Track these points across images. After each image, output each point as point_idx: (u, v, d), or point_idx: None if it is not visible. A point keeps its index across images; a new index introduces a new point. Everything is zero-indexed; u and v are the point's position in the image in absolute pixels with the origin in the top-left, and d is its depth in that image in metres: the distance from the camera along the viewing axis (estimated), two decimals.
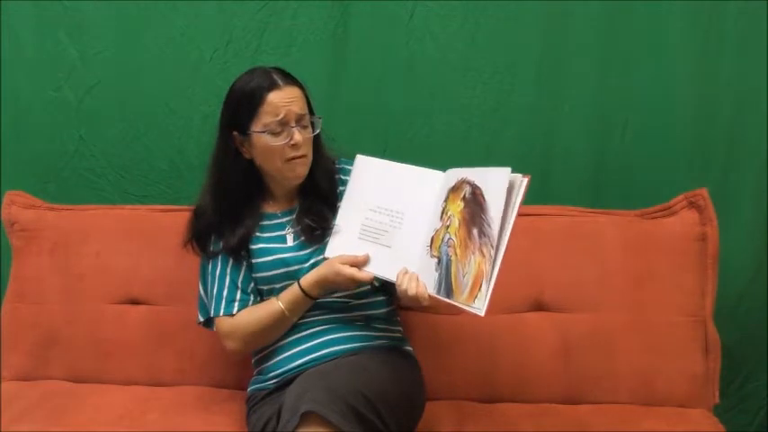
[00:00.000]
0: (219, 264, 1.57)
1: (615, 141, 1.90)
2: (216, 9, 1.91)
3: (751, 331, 1.93)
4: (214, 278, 1.57)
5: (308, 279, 1.49)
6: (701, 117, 1.87)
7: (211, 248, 1.57)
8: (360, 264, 1.45)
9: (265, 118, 1.47)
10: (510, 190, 1.28)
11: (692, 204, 1.69)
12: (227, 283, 1.56)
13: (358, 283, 1.44)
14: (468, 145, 1.91)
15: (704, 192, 1.68)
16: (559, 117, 1.89)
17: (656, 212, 1.73)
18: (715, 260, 1.66)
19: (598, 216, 1.75)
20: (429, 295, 1.37)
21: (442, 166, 1.48)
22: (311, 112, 1.53)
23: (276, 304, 1.51)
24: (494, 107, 1.90)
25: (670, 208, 1.71)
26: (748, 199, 1.88)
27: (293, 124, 1.48)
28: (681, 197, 1.71)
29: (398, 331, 1.62)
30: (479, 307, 1.28)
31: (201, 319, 1.60)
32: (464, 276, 1.32)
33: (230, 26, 1.91)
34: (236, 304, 1.55)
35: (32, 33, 1.96)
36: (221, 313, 1.55)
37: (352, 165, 1.58)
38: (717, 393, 1.65)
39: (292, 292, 1.50)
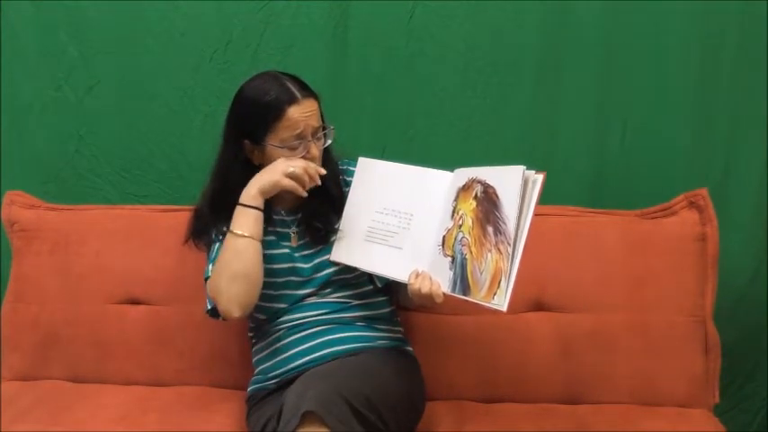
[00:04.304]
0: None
1: (615, 141, 1.89)
2: (216, 9, 1.90)
3: (751, 331, 1.93)
4: (214, 250, 1.50)
5: (247, 191, 1.44)
6: (701, 117, 1.86)
7: (213, 236, 1.52)
8: None
9: (283, 133, 1.45)
10: (524, 187, 1.28)
11: (692, 204, 1.69)
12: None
13: (289, 175, 1.42)
14: (469, 145, 1.90)
15: (704, 192, 1.68)
16: (559, 117, 1.89)
17: (656, 212, 1.73)
18: (715, 260, 1.66)
19: (598, 216, 1.75)
20: (443, 293, 1.37)
21: (442, 165, 1.49)
22: (322, 120, 1.52)
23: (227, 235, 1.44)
24: (494, 107, 1.89)
25: (670, 208, 1.71)
26: (748, 199, 1.88)
27: (309, 138, 1.47)
28: (681, 197, 1.71)
29: (399, 332, 1.62)
30: (500, 303, 1.29)
31: (209, 307, 1.51)
32: (481, 274, 1.32)
33: (230, 26, 1.91)
34: None
35: (32, 33, 1.95)
36: (209, 273, 1.48)
37: (354, 165, 1.59)
38: (717, 393, 1.65)
39: (235, 212, 1.44)
